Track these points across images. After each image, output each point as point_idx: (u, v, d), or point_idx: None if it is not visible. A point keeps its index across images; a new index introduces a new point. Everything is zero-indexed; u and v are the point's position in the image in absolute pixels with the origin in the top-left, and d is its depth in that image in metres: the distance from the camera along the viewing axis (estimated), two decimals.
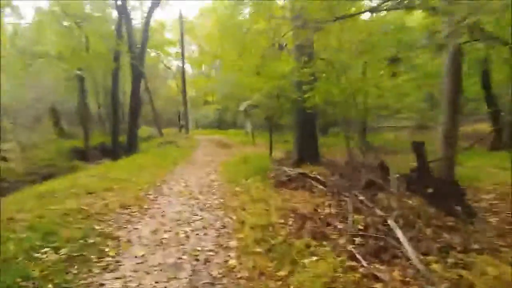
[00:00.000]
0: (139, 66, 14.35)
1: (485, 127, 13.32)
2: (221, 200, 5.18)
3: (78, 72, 13.71)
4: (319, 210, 4.28)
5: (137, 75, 14.64)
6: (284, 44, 7.13)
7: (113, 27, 14.43)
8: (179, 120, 27.57)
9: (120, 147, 13.95)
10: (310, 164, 7.21)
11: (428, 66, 8.90)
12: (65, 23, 13.18)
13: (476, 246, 3.35)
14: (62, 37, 13.10)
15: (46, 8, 13.04)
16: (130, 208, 4.65)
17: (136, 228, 3.92)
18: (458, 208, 4.31)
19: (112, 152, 13.40)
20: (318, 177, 5.57)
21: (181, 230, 3.85)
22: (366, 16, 9.94)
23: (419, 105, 13.70)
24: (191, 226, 4.03)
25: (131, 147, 13.96)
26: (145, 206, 4.87)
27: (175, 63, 30.50)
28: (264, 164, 7.61)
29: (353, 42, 6.65)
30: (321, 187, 5.21)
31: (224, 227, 3.99)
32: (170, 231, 3.84)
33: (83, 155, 13.91)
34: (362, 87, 7.17)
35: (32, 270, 2.59)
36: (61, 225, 3.57)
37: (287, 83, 6.85)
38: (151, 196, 5.50)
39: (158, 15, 54.40)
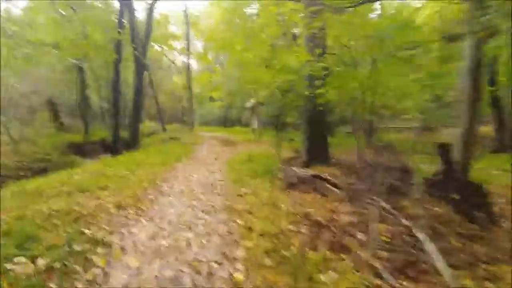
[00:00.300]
0: (142, 58, 13.95)
1: (487, 130, 13.01)
2: (226, 202, 4.74)
3: (75, 62, 13.23)
4: (335, 217, 3.83)
5: (140, 68, 14.24)
6: (297, 34, 6.63)
7: (114, 19, 14.00)
8: (183, 116, 27.25)
9: (121, 142, 13.53)
10: (320, 164, 6.76)
11: (433, 66, 8.54)
12: (62, 11, 12.64)
13: (500, 256, 3.10)
14: (59, 25, 12.48)
15: None
16: (126, 209, 4.23)
17: (131, 233, 3.51)
18: (483, 214, 3.97)
19: (113, 147, 12.98)
20: (332, 179, 5.10)
21: (182, 236, 3.45)
22: (375, 8, 9.57)
23: (425, 106, 13.30)
24: (193, 231, 3.62)
25: (132, 143, 13.58)
26: (143, 207, 4.44)
27: (179, 59, 30.15)
28: (272, 164, 7.18)
29: (359, 38, 6.23)
30: (335, 190, 4.75)
31: (229, 233, 3.57)
32: (169, 237, 3.44)
33: (82, 150, 13.48)
34: (373, 85, 6.72)
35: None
36: (45, 228, 3.14)
37: (299, 78, 6.36)
38: (150, 196, 5.07)
39: (163, 7, 54.23)
